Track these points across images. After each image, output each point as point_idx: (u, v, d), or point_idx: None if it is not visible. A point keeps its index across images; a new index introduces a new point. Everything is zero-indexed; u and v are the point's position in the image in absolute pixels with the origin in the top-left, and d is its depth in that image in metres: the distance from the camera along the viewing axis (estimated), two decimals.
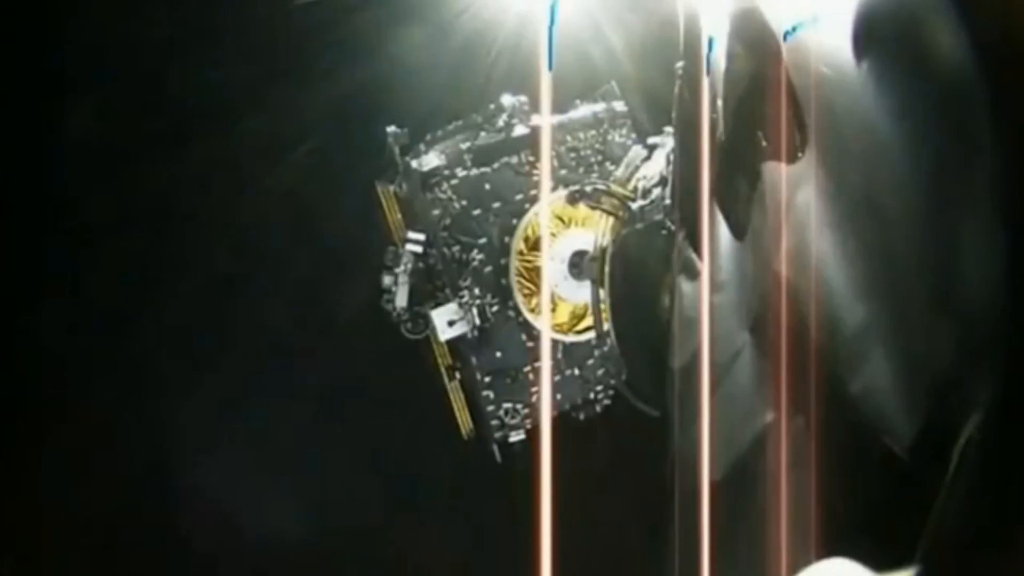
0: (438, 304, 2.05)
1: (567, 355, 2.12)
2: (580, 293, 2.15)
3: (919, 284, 1.89)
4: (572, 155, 2.14)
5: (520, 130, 2.09)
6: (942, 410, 1.81)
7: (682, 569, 2.07)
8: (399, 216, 2.07)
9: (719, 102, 2.13)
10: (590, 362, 2.15)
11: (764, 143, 2.07)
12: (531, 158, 2.14)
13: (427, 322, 2.05)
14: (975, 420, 1.73)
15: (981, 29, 1.73)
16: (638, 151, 2.31)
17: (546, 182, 2.20)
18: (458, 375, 2.10)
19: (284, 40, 2.25)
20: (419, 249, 2.05)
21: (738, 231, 2.14)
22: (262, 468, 2.22)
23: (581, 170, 2.15)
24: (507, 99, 2.16)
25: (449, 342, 2.09)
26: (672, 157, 2.25)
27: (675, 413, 2.19)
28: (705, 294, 2.15)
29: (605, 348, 2.22)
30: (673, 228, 2.24)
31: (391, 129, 2.13)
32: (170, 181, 2.18)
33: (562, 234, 2.12)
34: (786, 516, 1.98)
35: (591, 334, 2.20)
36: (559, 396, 2.16)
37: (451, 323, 2.04)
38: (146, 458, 2.25)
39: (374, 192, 2.15)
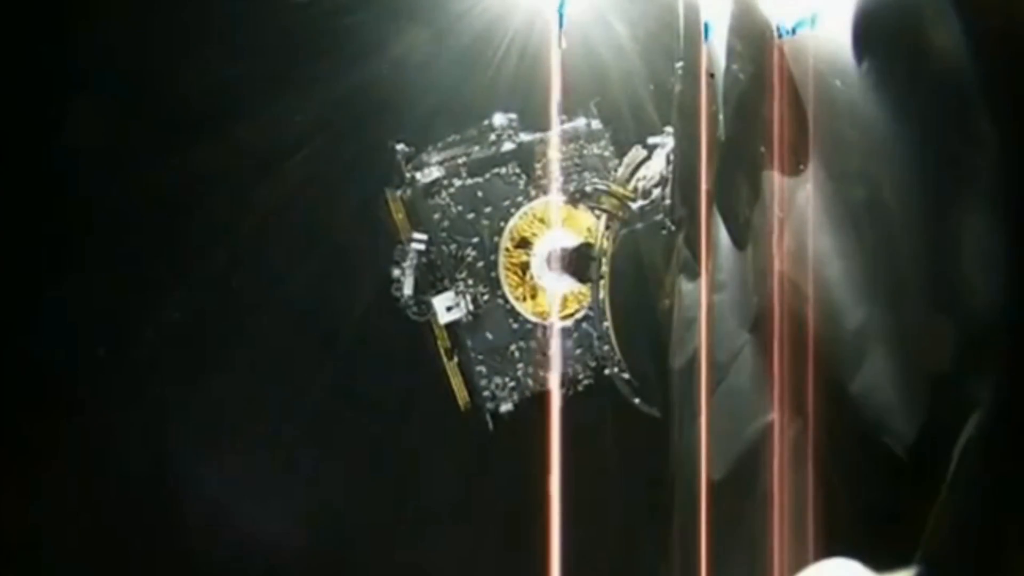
0: (438, 292, 2.11)
1: (547, 335, 2.20)
2: (560, 285, 2.20)
3: (919, 284, 1.88)
4: (553, 167, 2.13)
5: (508, 145, 2.15)
6: (942, 410, 1.82)
7: (681, 564, 2.07)
8: (405, 218, 2.09)
9: (719, 101, 2.13)
10: (570, 343, 2.19)
11: (764, 143, 2.06)
12: (517, 169, 2.16)
13: (429, 307, 2.12)
14: (975, 420, 1.73)
15: (981, 28, 1.74)
16: (638, 151, 2.27)
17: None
18: (456, 356, 2.16)
19: (299, 53, 2.20)
20: (422, 247, 2.12)
21: (738, 231, 2.13)
22: (288, 436, 2.21)
23: (561, 179, 2.18)
24: (498, 118, 2.16)
25: (447, 326, 2.12)
26: (672, 157, 2.23)
27: (675, 413, 2.19)
28: (704, 294, 2.12)
29: (580, 332, 2.25)
30: (673, 228, 2.23)
31: (400, 147, 2.14)
32: (188, 181, 2.16)
33: (541, 236, 2.17)
34: (786, 515, 1.98)
35: (571, 321, 2.22)
36: (542, 373, 2.21)
37: (449, 308, 2.12)
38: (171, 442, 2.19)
39: (383, 198, 2.16)
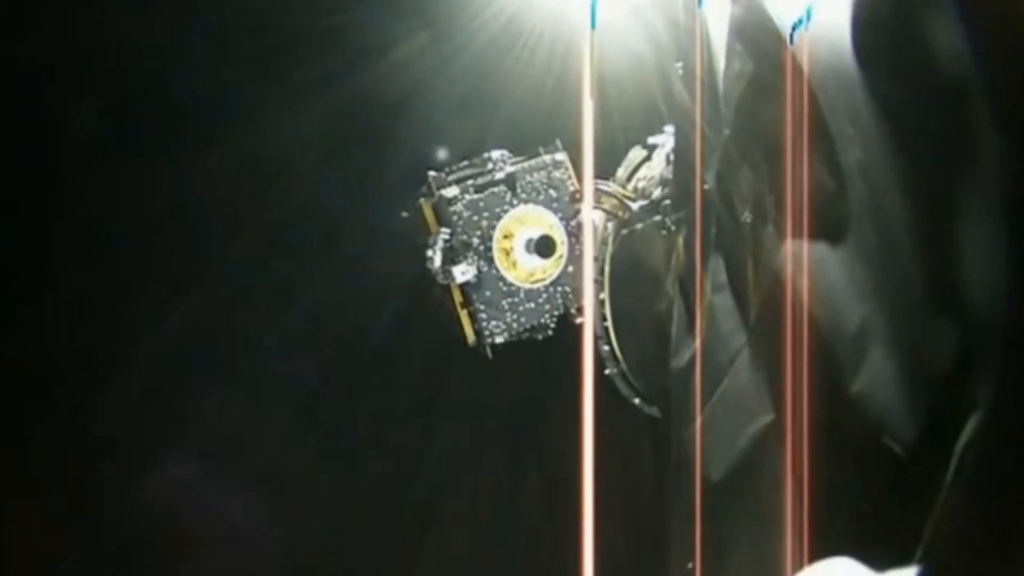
0: (455, 264, 2.28)
1: (526, 295, 2.34)
2: (532, 262, 2.28)
3: (919, 284, 1.55)
4: (529, 186, 2.31)
5: (500, 175, 2.32)
6: (942, 410, 1.49)
7: (677, 564, 1.80)
8: (434, 219, 2.30)
9: (720, 101, 1.84)
10: (540, 299, 2.34)
11: (765, 143, 1.72)
12: (505, 188, 2.30)
13: (450, 274, 2.27)
14: (975, 420, 1.40)
15: (982, 26, 1.39)
16: (638, 151, 2.21)
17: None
18: (466, 307, 2.33)
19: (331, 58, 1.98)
20: (446, 236, 2.30)
21: (737, 231, 1.85)
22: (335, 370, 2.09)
23: (534, 194, 2.32)
24: (495, 153, 2.32)
25: (461, 287, 2.31)
26: (672, 157, 2.08)
27: (675, 413, 1.92)
28: (704, 294, 1.84)
29: (548, 293, 2.29)
30: (673, 228, 2.07)
31: (431, 173, 2.26)
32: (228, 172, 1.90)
33: (519, 230, 2.28)
34: (786, 515, 1.65)
35: (542, 283, 2.26)
36: (523, 319, 2.34)
37: (463, 274, 2.28)
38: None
39: (419, 205, 2.27)
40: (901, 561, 1.41)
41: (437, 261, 2.30)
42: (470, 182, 2.34)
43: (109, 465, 1.88)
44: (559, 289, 2.35)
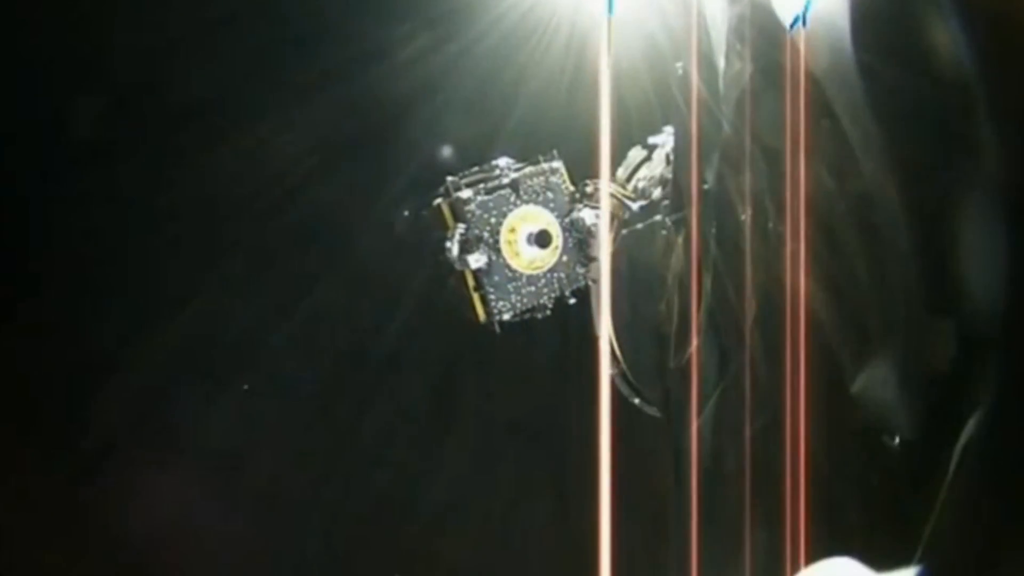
0: (469, 253, 2.18)
1: (528, 280, 2.19)
2: (532, 252, 2.09)
3: (919, 283, 1.32)
4: (530, 189, 2.13)
5: (506, 180, 2.20)
6: (942, 410, 1.28)
7: (675, 564, 1.48)
8: (451, 216, 2.18)
9: (720, 101, 1.52)
10: (540, 283, 2.19)
11: (764, 142, 1.44)
12: (510, 191, 2.13)
13: (465, 261, 2.19)
14: (975, 420, 1.22)
15: (980, 25, 1.20)
16: (638, 151, 1.89)
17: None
18: (479, 290, 2.23)
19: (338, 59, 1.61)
20: (462, 231, 2.19)
21: (737, 230, 1.54)
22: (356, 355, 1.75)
23: (534, 196, 2.15)
24: (502, 161, 2.15)
25: (474, 272, 2.19)
26: (672, 157, 1.71)
27: (675, 412, 1.57)
28: (701, 294, 1.53)
29: (546, 279, 2.01)
30: (673, 228, 1.69)
31: (450, 178, 2.09)
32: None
33: (522, 226, 2.15)
34: (786, 515, 1.36)
35: (541, 270, 2.03)
36: (525, 300, 2.19)
37: (476, 261, 2.19)
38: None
39: (438, 205, 2.06)
40: (902, 560, 1.16)
41: (455, 251, 2.16)
42: (481, 185, 2.20)
43: (107, 471, 1.40)
44: (555, 275, 2.22)
